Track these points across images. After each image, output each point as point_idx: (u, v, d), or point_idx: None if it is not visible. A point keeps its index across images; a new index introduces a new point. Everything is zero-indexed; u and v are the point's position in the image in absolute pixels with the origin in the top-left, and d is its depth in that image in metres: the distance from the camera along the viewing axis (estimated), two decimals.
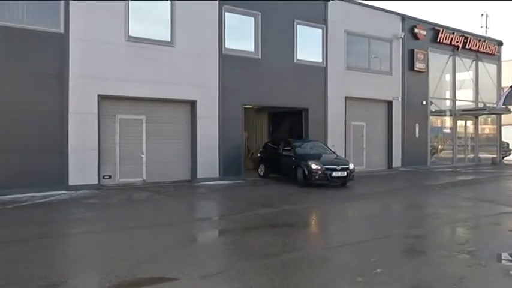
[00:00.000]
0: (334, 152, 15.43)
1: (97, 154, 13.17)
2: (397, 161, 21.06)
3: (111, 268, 5.58)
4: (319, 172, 13.54)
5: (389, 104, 20.94)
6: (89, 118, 13.03)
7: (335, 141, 18.52)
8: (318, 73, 18.12)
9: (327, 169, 13.62)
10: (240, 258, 6.20)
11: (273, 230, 8.36)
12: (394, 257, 6.42)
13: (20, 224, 8.39)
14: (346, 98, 19.03)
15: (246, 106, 16.43)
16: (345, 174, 13.63)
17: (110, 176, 13.76)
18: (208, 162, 15.25)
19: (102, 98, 13.32)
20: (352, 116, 19.54)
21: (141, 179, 14.38)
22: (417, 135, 21.84)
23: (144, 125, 14.45)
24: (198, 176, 15.06)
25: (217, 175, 15.41)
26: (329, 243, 7.32)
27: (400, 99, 21.10)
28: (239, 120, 16.03)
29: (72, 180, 12.68)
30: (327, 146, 16.33)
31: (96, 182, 13.09)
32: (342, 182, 13.88)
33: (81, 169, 12.82)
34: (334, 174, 13.52)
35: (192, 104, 15.19)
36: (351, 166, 13.97)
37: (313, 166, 13.64)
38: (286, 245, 6.95)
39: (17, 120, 11.94)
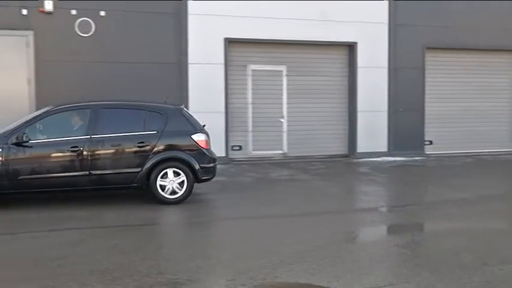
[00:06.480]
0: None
1: (224, 118, 13.94)
2: None
3: (245, 267, 5.93)
4: None
5: None
6: (214, 70, 13.82)
7: None
8: None
9: None
10: (417, 267, 6.08)
11: (469, 228, 8.00)
12: None
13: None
14: None
15: None
16: None
17: (240, 147, 14.51)
18: (373, 131, 15.21)
19: (230, 43, 13.97)
20: None
21: (281, 151, 14.89)
22: None
23: (284, 78, 14.83)
24: (357, 150, 15.10)
25: (385, 149, 15.30)
26: None
27: None
28: (419, 70, 15.53)
29: None
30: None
31: (224, 155, 13.91)
32: None
33: None
34: None
35: (350, 47, 15.14)
36: None
37: None
38: (489, 252, 6.63)
39: (122, 73, 13.15)
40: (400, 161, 14.75)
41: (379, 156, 15.07)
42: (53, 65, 12.59)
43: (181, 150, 9.35)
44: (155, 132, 9.23)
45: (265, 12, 14.05)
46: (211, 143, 13.45)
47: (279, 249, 6.71)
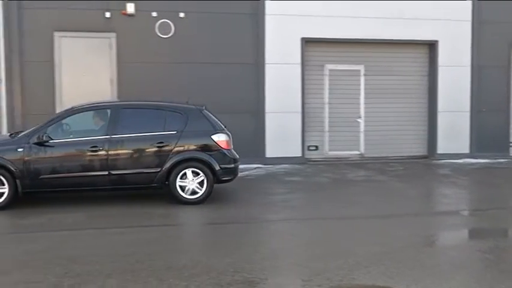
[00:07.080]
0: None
1: (301, 118, 13.95)
2: None
3: (321, 268, 5.91)
4: None
5: None
6: (291, 70, 13.84)
7: None
8: None
9: None
10: (502, 274, 5.86)
11: None
12: None
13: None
14: None
15: None
16: None
17: (316, 147, 14.47)
18: (454, 132, 14.85)
19: (307, 43, 13.95)
20: None
21: (358, 152, 14.74)
22: None
23: (362, 78, 14.67)
24: (438, 151, 14.76)
25: (466, 150, 14.89)
26: None
27: None
28: (504, 68, 15.03)
29: (270, 152, 13.74)
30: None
31: (300, 155, 13.92)
32: None
33: (281, 137, 13.77)
34: None
35: (431, 46, 14.82)
36: None
37: None
38: None
39: (200, 74, 13.31)
40: (483, 163, 14.27)
41: (460, 158, 14.64)
42: (134, 66, 12.97)
43: (201, 151, 9.29)
44: (175, 132, 9.23)
45: (342, 12, 13.93)
46: (288, 143, 13.70)
47: (356, 250, 6.65)
